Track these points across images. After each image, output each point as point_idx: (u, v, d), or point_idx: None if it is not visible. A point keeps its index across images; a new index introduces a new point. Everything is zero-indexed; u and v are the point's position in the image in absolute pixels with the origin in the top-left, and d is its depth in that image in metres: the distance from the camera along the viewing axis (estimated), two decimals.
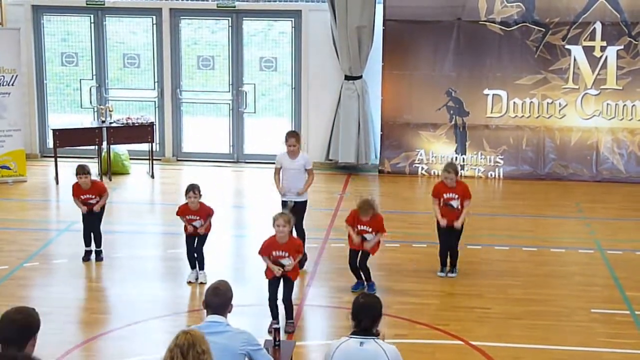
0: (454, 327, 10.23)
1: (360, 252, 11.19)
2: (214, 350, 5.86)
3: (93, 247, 12.39)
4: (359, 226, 11.07)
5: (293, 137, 11.90)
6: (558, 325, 10.35)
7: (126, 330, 10.07)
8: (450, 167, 11.79)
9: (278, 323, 9.85)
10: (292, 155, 11.78)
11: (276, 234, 9.91)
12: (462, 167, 16.97)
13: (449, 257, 11.90)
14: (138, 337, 9.95)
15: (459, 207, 11.66)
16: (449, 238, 11.78)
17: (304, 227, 11.93)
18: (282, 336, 9.34)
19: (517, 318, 10.53)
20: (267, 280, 10.10)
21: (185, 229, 11.62)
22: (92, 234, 12.35)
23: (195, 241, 11.59)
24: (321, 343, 9.90)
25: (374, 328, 6.16)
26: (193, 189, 11.44)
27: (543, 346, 9.77)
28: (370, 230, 11.02)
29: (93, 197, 12.20)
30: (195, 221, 11.51)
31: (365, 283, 11.33)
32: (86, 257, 12.37)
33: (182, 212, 11.58)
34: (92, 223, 12.32)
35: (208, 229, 11.63)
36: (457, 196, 11.64)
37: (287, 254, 9.92)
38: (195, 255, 11.61)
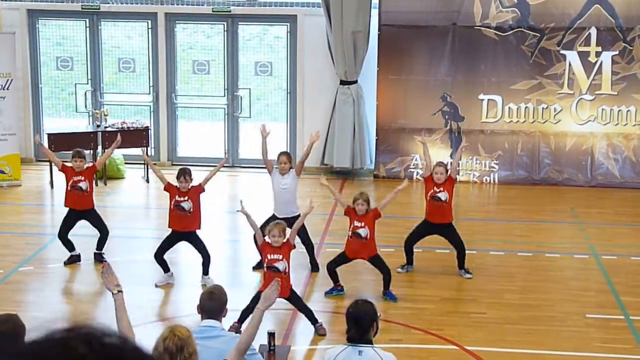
0: (449, 332, 10.23)
1: (370, 263, 11.20)
2: (208, 355, 5.86)
3: (79, 249, 12.35)
4: (354, 222, 11.08)
5: (284, 155, 12.17)
6: (553, 330, 10.36)
7: None
8: (442, 163, 12.17)
9: (240, 327, 9.89)
10: (282, 172, 11.95)
11: (271, 243, 9.96)
12: (458, 172, 16.95)
13: (457, 254, 11.97)
14: None
15: (447, 200, 11.75)
16: (449, 238, 11.89)
17: (310, 238, 12.07)
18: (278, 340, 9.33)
19: (512, 323, 10.54)
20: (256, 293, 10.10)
21: (170, 220, 11.46)
22: (69, 237, 12.22)
23: (194, 248, 11.50)
24: (316, 348, 9.90)
25: (370, 335, 6.17)
26: (184, 174, 11.30)
27: (538, 351, 9.77)
28: (363, 225, 11.00)
29: (83, 179, 12.05)
30: (184, 202, 11.31)
31: (385, 291, 11.23)
32: (69, 260, 12.29)
33: (171, 189, 11.39)
34: (74, 223, 12.19)
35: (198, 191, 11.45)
36: (443, 189, 11.78)
37: (281, 257, 9.93)
38: (201, 258, 11.53)
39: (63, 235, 12.21)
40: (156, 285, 11.59)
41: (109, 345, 1.65)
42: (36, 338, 1.66)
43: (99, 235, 12.35)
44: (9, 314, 5.55)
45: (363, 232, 11.05)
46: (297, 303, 10.23)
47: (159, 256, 11.56)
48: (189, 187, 11.37)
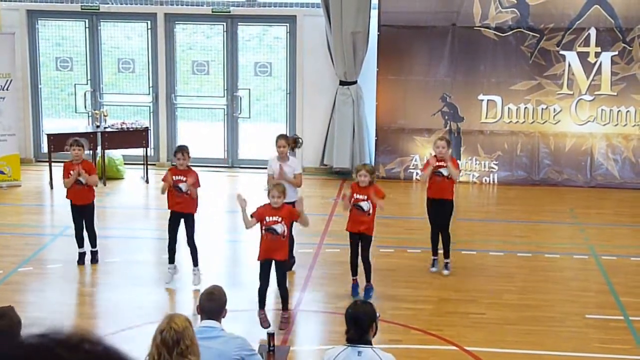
0: (449, 332, 10.23)
1: (360, 240, 11.10)
2: (208, 356, 5.86)
3: (87, 247, 12.32)
4: (355, 195, 10.98)
5: (282, 139, 11.96)
6: (552, 330, 10.36)
7: (120, 335, 10.06)
8: (444, 137, 11.99)
9: (264, 313, 9.94)
10: (282, 159, 11.83)
11: (270, 204, 9.98)
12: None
13: (440, 243, 11.95)
14: (132, 342, 9.92)
15: (450, 175, 11.74)
16: (439, 217, 11.86)
17: (292, 232, 11.91)
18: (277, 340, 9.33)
19: (512, 323, 10.54)
20: (258, 271, 10.18)
21: (169, 201, 11.44)
22: (83, 233, 12.24)
23: (185, 229, 11.44)
24: (315, 348, 9.90)
25: (369, 335, 6.17)
26: (182, 151, 11.33)
27: (537, 352, 9.77)
28: (365, 198, 10.91)
29: (83, 172, 11.99)
30: (181, 183, 11.28)
31: (365, 284, 11.21)
32: (80, 260, 12.30)
33: (170, 173, 11.38)
34: (82, 220, 12.15)
35: (195, 188, 11.37)
36: (445, 163, 11.76)
37: (280, 219, 9.95)
38: (189, 248, 11.54)
39: (79, 232, 12.20)
40: (166, 284, 11.55)
41: (90, 351, 1.64)
42: (13, 342, 1.66)
43: (87, 233, 12.28)
44: (4, 309, 5.51)
45: (365, 205, 10.93)
46: (281, 277, 10.12)
47: (172, 244, 11.52)
48: (187, 165, 11.34)
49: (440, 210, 11.87)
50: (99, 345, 1.66)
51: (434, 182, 11.87)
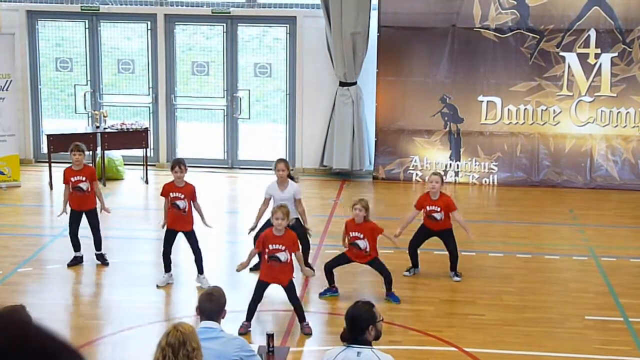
0: (448, 333, 10.23)
1: (370, 265, 11.16)
2: (207, 356, 5.86)
3: (83, 251, 12.32)
4: (351, 233, 11.03)
5: (282, 162, 11.87)
6: (552, 332, 10.36)
7: (120, 336, 10.07)
8: (438, 172, 11.97)
9: (250, 325, 9.98)
10: (282, 183, 11.74)
11: (274, 226, 9.93)
12: (457, 174, 17.02)
13: (449, 256, 11.96)
14: (132, 343, 9.94)
15: (442, 218, 11.74)
16: (446, 246, 11.89)
17: (309, 240, 11.95)
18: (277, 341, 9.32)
19: (511, 325, 10.54)
20: (256, 283, 10.22)
21: (166, 217, 11.48)
22: (78, 236, 12.20)
23: (187, 243, 11.50)
24: (315, 349, 9.90)
25: (366, 336, 6.16)
26: (179, 164, 11.34)
27: (537, 353, 9.77)
28: (362, 236, 10.96)
29: (84, 179, 12.00)
30: (179, 200, 11.32)
31: (386, 293, 11.24)
32: (72, 262, 12.28)
33: (167, 190, 11.42)
34: (78, 224, 12.15)
35: (196, 202, 11.46)
36: (439, 208, 11.73)
37: (283, 247, 9.92)
38: (193, 256, 11.54)
39: (73, 233, 12.19)
40: (157, 286, 11.59)
41: (32, 336, 1.56)
42: None
43: (92, 236, 12.31)
44: (14, 307, 5.47)
45: (362, 243, 10.97)
46: (292, 294, 10.12)
47: (166, 254, 11.57)
48: (184, 178, 11.37)
49: (444, 241, 11.92)
50: (28, 326, 1.58)
51: (430, 223, 11.88)
